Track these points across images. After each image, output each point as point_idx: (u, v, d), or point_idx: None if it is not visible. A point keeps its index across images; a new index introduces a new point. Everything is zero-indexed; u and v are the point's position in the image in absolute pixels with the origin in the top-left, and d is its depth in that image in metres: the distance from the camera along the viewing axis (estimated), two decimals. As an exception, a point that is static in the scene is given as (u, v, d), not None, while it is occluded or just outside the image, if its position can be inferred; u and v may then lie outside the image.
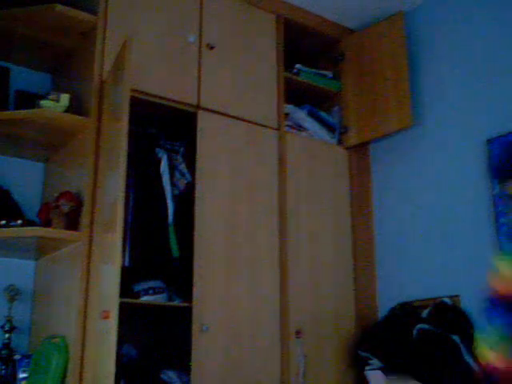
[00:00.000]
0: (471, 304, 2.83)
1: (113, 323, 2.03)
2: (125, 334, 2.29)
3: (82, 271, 2.42)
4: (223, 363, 2.70)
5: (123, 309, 2.10)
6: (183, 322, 2.68)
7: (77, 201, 2.52)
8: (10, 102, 2.80)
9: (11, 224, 2.48)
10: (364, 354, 2.96)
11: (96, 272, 2.37)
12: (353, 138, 3.40)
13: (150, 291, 2.74)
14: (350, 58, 3.51)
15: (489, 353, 1.33)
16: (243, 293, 2.84)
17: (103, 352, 2.12)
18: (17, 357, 2.54)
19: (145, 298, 2.71)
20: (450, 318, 2.81)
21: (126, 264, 2.64)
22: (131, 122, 2.28)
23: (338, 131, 3.44)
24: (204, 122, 2.90)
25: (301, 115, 3.32)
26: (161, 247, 2.77)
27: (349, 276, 3.24)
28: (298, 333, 2.94)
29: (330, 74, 3.51)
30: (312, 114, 3.37)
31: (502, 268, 1.41)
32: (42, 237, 2.46)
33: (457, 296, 2.88)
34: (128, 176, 2.39)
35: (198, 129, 2.88)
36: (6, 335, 2.61)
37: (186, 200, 2.83)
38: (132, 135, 2.34)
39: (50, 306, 2.65)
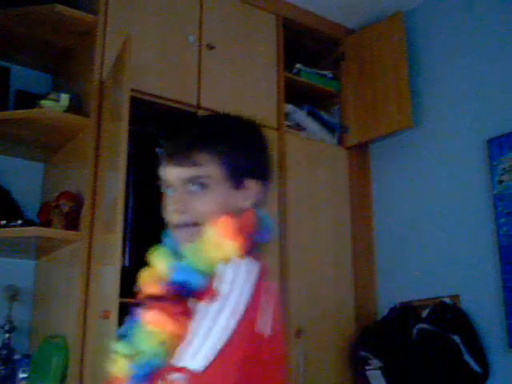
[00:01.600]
0: (471, 304, 2.83)
1: (113, 323, 2.03)
2: (125, 334, 2.29)
3: (81, 271, 2.42)
4: (223, 363, 2.69)
5: (123, 309, 2.10)
6: (183, 322, 2.67)
7: (77, 201, 2.52)
8: (10, 102, 2.80)
9: (11, 224, 2.48)
10: (364, 353, 2.96)
11: (96, 272, 2.37)
12: (353, 138, 3.40)
13: (150, 291, 2.73)
14: (350, 58, 3.51)
15: (120, 365, 1.18)
16: (243, 293, 2.83)
17: (103, 352, 2.12)
18: (17, 357, 2.54)
19: (145, 298, 2.71)
20: (449, 318, 2.82)
21: (126, 264, 2.64)
22: (131, 122, 2.28)
23: (338, 131, 3.44)
24: (204, 122, 2.90)
25: (301, 115, 3.32)
26: (161, 247, 2.77)
27: (349, 276, 3.24)
28: (298, 333, 2.94)
29: (330, 74, 3.51)
30: (312, 114, 3.37)
31: (156, 263, 1.24)
32: (41, 237, 2.46)
33: (457, 296, 2.88)
34: (128, 176, 2.39)
35: (198, 129, 2.88)
36: (6, 335, 2.61)
37: (186, 200, 2.82)
38: (132, 135, 2.34)
39: (50, 306, 2.64)
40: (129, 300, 2.57)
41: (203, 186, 1.16)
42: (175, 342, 1.06)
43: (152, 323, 1.11)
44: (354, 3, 3.37)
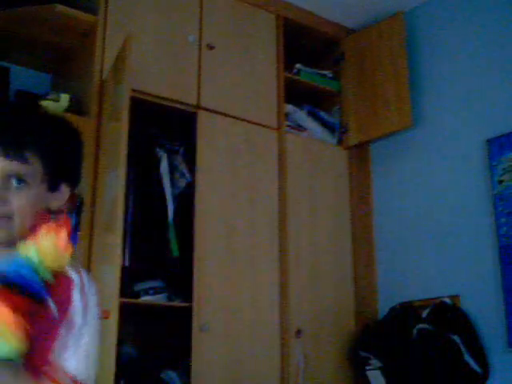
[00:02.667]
0: (471, 304, 2.83)
1: (113, 323, 2.03)
2: (125, 334, 2.29)
3: (81, 271, 2.42)
4: (223, 363, 2.70)
5: (123, 309, 2.10)
6: (183, 321, 2.68)
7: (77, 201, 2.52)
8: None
9: (11, 224, 2.47)
10: (364, 353, 2.96)
11: (96, 272, 2.37)
12: (353, 138, 3.40)
13: (150, 291, 2.73)
14: (349, 58, 3.51)
15: None
16: (243, 293, 2.84)
17: (103, 352, 2.12)
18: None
19: (145, 298, 2.71)
20: (449, 318, 2.82)
21: (126, 264, 2.64)
22: (131, 121, 2.28)
23: (338, 131, 3.44)
24: (204, 122, 2.90)
25: (301, 115, 3.32)
26: (161, 247, 2.77)
27: (349, 276, 3.24)
28: (298, 333, 2.94)
29: (330, 73, 3.51)
30: (312, 114, 3.37)
31: None
32: (41, 237, 2.45)
33: (457, 296, 2.88)
34: (128, 176, 2.39)
35: (198, 129, 2.88)
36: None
37: (186, 200, 2.83)
38: (132, 135, 2.34)
39: (50, 306, 2.64)
40: (129, 300, 2.58)
41: (23, 182, 1.18)
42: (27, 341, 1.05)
43: (9, 324, 1.05)
44: (354, 3, 3.37)
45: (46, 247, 1.13)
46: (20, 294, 1.06)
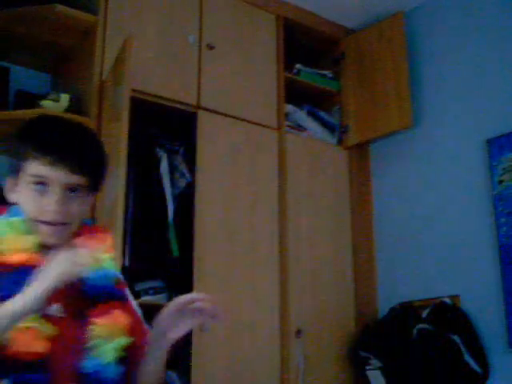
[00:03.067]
0: (471, 304, 2.83)
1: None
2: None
3: (82, 271, 2.42)
4: (223, 363, 2.70)
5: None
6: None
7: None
8: (9, 102, 2.79)
9: (11, 224, 2.47)
10: (364, 353, 2.96)
11: (96, 272, 2.37)
12: (353, 138, 3.40)
13: (150, 291, 2.74)
14: (349, 58, 3.51)
15: None
16: (243, 293, 2.84)
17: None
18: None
19: (145, 298, 2.71)
20: (449, 318, 2.82)
21: (126, 264, 2.64)
22: (131, 122, 2.28)
23: (338, 131, 3.44)
24: (204, 122, 2.90)
25: (301, 115, 3.32)
26: (161, 247, 2.77)
27: (349, 276, 3.24)
28: (298, 333, 2.94)
29: (330, 73, 3.51)
30: (312, 114, 3.37)
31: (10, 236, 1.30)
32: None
33: (457, 296, 2.88)
34: (128, 176, 2.39)
35: (198, 129, 2.88)
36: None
37: (186, 200, 2.83)
38: (132, 135, 2.34)
39: (50, 306, 2.64)
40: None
41: (79, 192, 1.32)
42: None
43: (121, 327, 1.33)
44: (354, 3, 3.37)
45: (108, 256, 1.35)
46: (118, 305, 1.32)
